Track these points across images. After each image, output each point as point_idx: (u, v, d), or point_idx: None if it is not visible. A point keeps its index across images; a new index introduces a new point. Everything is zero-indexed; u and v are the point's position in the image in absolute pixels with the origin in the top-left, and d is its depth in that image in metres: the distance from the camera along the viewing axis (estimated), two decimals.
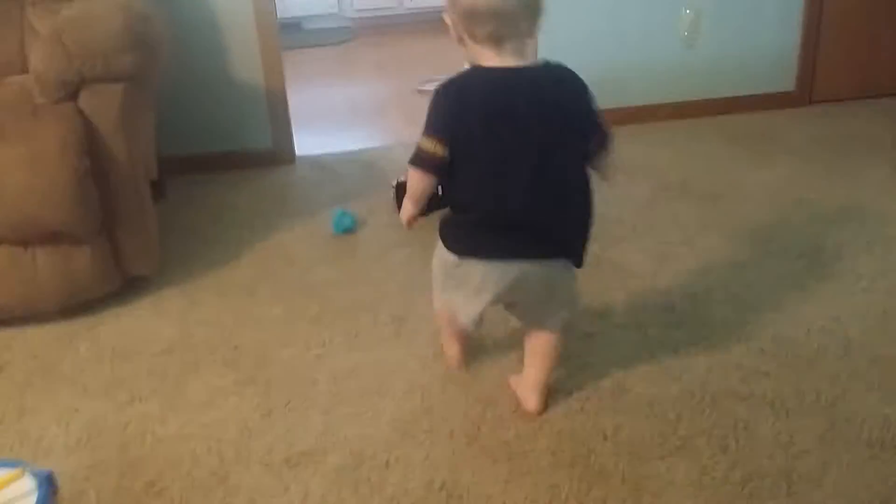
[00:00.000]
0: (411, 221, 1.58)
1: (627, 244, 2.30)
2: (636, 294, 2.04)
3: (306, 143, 3.21)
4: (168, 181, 2.67)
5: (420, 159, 1.45)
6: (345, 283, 2.16)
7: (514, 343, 1.75)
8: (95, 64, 1.89)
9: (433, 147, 1.42)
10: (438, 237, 1.56)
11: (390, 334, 1.92)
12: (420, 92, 3.91)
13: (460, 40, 1.47)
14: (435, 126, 1.42)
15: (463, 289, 1.52)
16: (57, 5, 2.17)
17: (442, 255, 1.55)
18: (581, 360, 1.77)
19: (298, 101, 3.73)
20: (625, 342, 1.83)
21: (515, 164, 1.42)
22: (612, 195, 2.61)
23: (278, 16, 4.87)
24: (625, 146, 3.07)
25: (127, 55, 1.92)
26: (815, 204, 2.52)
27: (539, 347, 1.61)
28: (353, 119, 3.71)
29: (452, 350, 1.76)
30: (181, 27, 2.79)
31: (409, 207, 1.56)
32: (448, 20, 1.49)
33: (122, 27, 1.91)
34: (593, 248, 2.20)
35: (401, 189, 2.44)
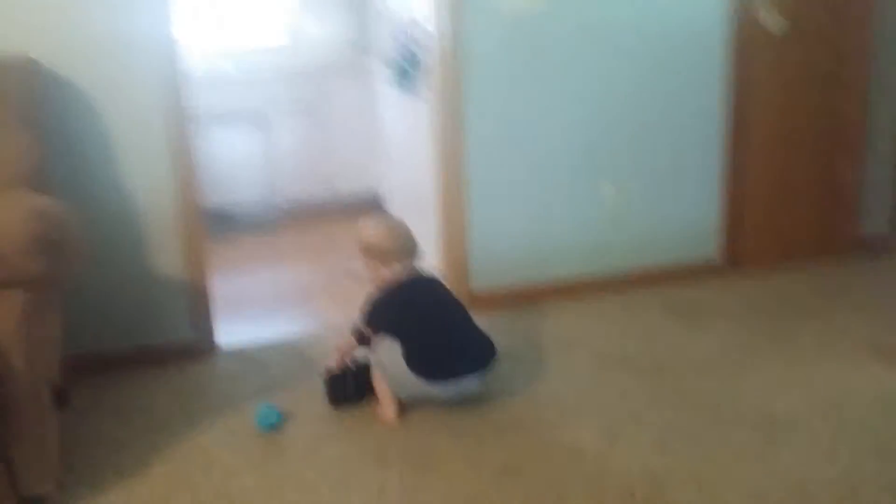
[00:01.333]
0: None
1: (575, 422, 2.17)
2: (592, 480, 1.88)
3: (231, 333, 3.04)
4: (75, 383, 2.44)
5: (358, 335, 2.34)
6: (270, 491, 1.94)
7: None
8: None
9: (367, 332, 2.31)
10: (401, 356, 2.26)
11: None
12: (347, 272, 3.83)
13: (375, 272, 2.40)
14: (367, 319, 2.33)
15: (416, 388, 2.25)
16: None
17: (403, 373, 2.24)
18: None
19: (222, 289, 3.60)
20: None
21: (443, 317, 2.35)
22: (552, 371, 2.52)
23: (210, 204, 4.75)
24: (560, 320, 3.07)
25: (31, 261, 1.78)
26: (759, 370, 2.46)
27: None
28: (280, 305, 3.58)
29: (391, 409, 2.26)
30: (97, 219, 2.68)
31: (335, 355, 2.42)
32: (369, 263, 2.42)
33: (33, 234, 1.77)
34: (540, 431, 2.09)
35: (332, 381, 2.32)
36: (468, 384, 2.27)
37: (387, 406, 2.27)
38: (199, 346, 2.86)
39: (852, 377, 2.37)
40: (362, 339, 2.33)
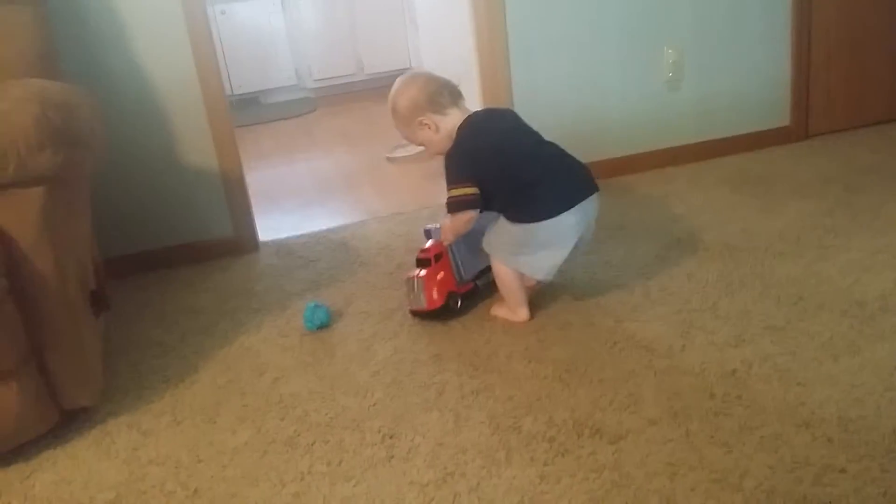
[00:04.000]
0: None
1: (644, 314, 2.01)
2: (665, 376, 1.74)
3: (271, 227, 2.92)
4: (113, 288, 2.35)
5: (461, 202, 1.95)
6: (323, 394, 1.84)
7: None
8: (5, 167, 1.59)
9: (465, 191, 1.93)
10: (506, 219, 1.96)
11: (381, 457, 1.59)
12: (391, 160, 3.65)
13: (428, 127, 2.02)
14: (461, 175, 1.95)
15: (548, 247, 1.95)
16: None
17: (522, 228, 1.93)
18: (613, 472, 1.46)
19: (259, 181, 3.46)
20: (664, 443, 1.52)
21: (528, 150, 2.00)
22: (616, 256, 2.35)
23: (234, 92, 4.61)
24: (619, 200, 2.86)
25: (44, 154, 1.62)
26: (841, 250, 2.25)
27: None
28: (321, 196, 3.43)
29: (523, 309, 2.02)
30: (118, 113, 2.52)
31: (451, 237, 2.05)
32: (425, 121, 2.02)
33: (36, 122, 1.61)
34: (607, 323, 1.94)
35: (410, 283, 2.09)
36: (591, 209, 1.98)
37: (518, 305, 2.02)
38: (241, 243, 2.75)
39: None
40: (472, 202, 1.93)
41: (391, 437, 1.64)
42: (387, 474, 1.54)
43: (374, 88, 5.27)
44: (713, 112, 3.12)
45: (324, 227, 2.92)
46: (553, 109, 2.92)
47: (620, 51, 2.96)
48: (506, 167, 1.94)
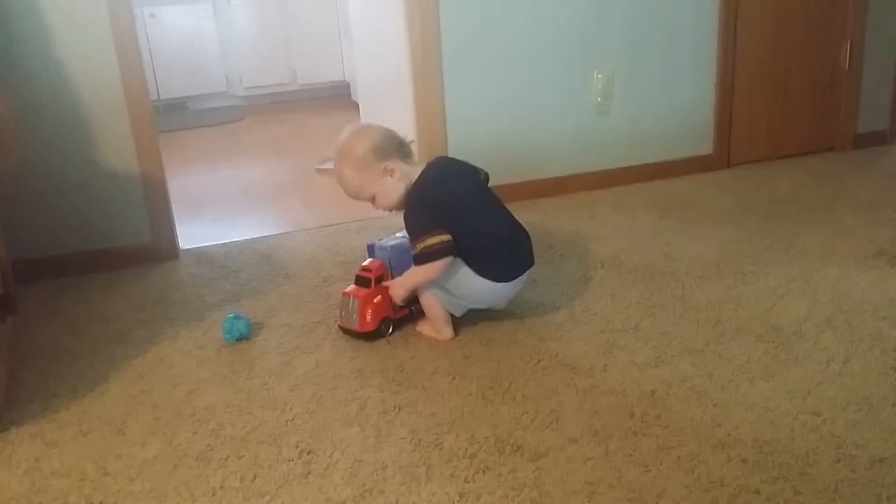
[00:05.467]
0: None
1: (568, 333, 2.02)
2: (587, 395, 1.74)
3: (192, 235, 2.84)
4: (22, 292, 2.24)
5: (438, 251, 1.86)
6: (239, 407, 1.78)
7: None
8: None
9: (441, 238, 1.86)
10: (465, 264, 1.92)
11: (298, 473, 1.54)
12: (320, 171, 3.60)
13: (393, 173, 1.93)
14: (431, 225, 1.86)
15: (478, 301, 2.02)
16: None
17: (465, 274, 1.92)
18: (533, 490, 1.45)
19: (183, 189, 3.38)
20: (584, 461, 1.52)
21: (492, 209, 2.02)
22: (542, 276, 2.36)
23: (160, 96, 4.51)
24: (547, 221, 2.88)
25: None
26: (759, 276, 2.32)
27: None
28: (247, 205, 3.35)
29: (448, 329, 2.01)
30: (35, 112, 2.41)
31: (403, 293, 1.97)
32: (390, 166, 1.93)
33: None
34: (531, 341, 1.94)
35: (345, 300, 2.02)
36: (526, 279, 2.03)
37: (443, 325, 2.00)
38: (159, 250, 2.66)
39: (859, 282, 2.24)
40: (448, 249, 1.86)
41: (309, 453, 1.60)
42: (303, 491, 1.49)
43: (306, 99, 5.23)
44: (640, 138, 3.18)
45: (248, 237, 2.85)
46: (485, 128, 2.93)
47: (553, 74, 3.00)
48: (466, 220, 1.92)
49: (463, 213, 1.93)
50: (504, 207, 2.05)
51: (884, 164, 3.36)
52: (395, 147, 1.95)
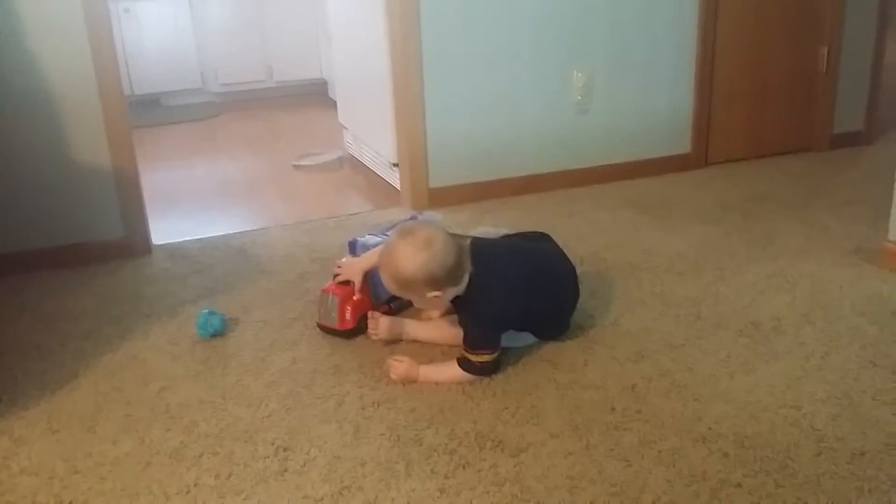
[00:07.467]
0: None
1: None
2: (568, 390, 1.73)
3: (166, 230, 2.79)
4: None
5: (484, 369, 1.78)
6: (214, 404, 1.74)
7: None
8: None
9: (493, 357, 1.78)
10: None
11: (274, 470, 1.51)
12: (297, 167, 3.56)
13: (440, 296, 1.74)
14: (494, 342, 1.78)
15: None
16: None
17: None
18: (514, 486, 1.43)
19: (156, 184, 3.32)
20: (565, 456, 1.50)
21: (549, 281, 1.94)
22: None
23: (134, 91, 4.46)
24: (526, 218, 2.86)
25: None
26: (737, 273, 2.32)
27: None
28: (222, 201, 3.30)
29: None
30: (6, 104, 2.36)
31: (424, 380, 1.79)
32: (438, 294, 1.73)
33: None
34: None
35: (324, 297, 1.99)
36: None
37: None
38: (132, 245, 2.61)
39: (836, 278, 2.25)
40: (487, 370, 1.78)
41: (285, 450, 1.57)
42: (279, 488, 1.46)
43: (283, 96, 5.17)
44: (620, 136, 3.18)
45: (223, 233, 2.80)
46: (465, 126, 2.91)
47: (533, 72, 2.98)
48: (530, 309, 1.85)
49: (527, 308, 1.83)
50: (558, 259, 2.00)
51: (860, 164, 3.39)
52: (447, 276, 1.71)
